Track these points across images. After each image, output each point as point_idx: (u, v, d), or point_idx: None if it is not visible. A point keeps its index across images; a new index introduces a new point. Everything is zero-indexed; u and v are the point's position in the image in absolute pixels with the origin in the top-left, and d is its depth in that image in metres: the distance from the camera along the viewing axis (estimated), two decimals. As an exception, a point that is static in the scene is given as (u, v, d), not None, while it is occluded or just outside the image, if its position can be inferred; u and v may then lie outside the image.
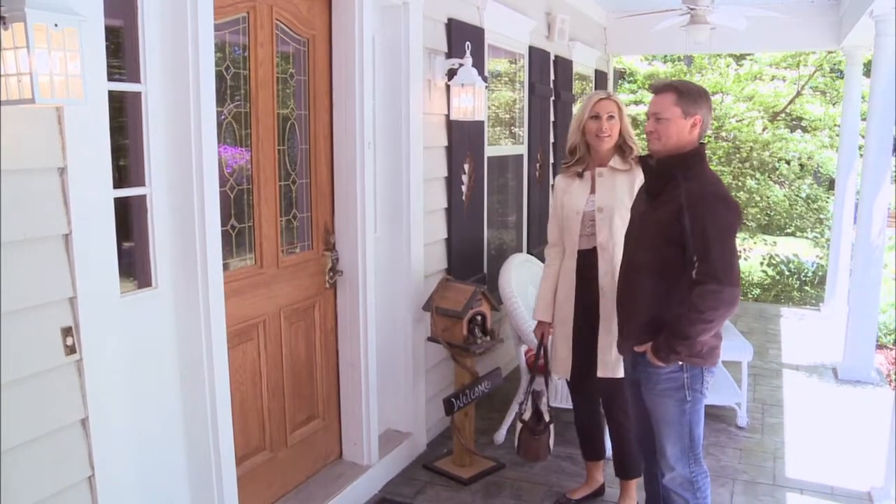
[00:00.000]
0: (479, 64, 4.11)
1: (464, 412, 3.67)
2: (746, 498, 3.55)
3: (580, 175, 3.15)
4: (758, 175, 10.98)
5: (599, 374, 3.10)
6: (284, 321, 3.18)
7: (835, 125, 10.26)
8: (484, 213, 4.62)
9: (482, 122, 4.43)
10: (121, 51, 2.35)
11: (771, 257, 10.48)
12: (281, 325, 3.16)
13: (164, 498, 2.53)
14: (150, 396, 2.44)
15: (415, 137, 3.72)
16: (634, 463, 3.22)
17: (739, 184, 10.96)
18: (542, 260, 3.44)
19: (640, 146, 3.10)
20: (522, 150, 5.38)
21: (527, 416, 3.39)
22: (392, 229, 3.76)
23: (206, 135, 2.45)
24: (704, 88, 2.60)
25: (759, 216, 11.17)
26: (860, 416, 4.56)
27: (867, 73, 6.23)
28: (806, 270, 10.15)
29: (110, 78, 2.14)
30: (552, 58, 5.72)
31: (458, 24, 4.06)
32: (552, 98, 5.77)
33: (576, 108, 6.53)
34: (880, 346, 6.12)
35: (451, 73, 3.93)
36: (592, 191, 3.11)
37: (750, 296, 10.08)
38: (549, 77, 5.68)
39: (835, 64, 10.68)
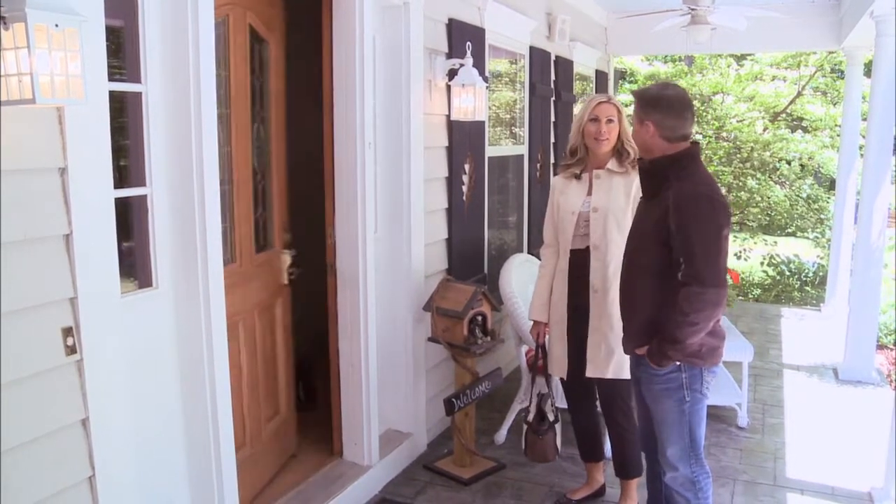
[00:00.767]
0: (479, 64, 4.11)
1: (464, 412, 3.67)
2: (747, 498, 3.54)
3: (578, 176, 3.16)
4: (758, 175, 10.98)
5: (588, 373, 3.11)
6: (258, 319, 3.21)
7: (835, 125, 10.26)
8: (484, 213, 4.62)
9: (483, 123, 4.43)
10: (121, 51, 2.35)
11: (771, 257, 10.48)
12: (255, 323, 3.19)
13: (164, 498, 2.53)
14: (150, 396, 2.44)
15: (415, 138, 3.72)
16: (634, 463, 3.22)
17: (740, 184, 10.96)
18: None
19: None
20: (523, 150, 5.38)
21: (531, 417, 3.39)
22: (392, 229, 3.76)
23: (207, 135, 2.45)
24: (663, 95, 2.56)
25: (759, 216, 11.17)
26: (861, 417, 4.56)
27: (868, 73, 6.23)
28: (806, 271, 10.14)
29: (111, 78, 2.14)
30: (553, 58, 5.72)
31: (458, 24, 4.07)
32: (553, 98, 5.77)
33: (576, 109, 6.55)
34: (881, 347, 6.11)
35: (452, 74, 3.93)
36: (589, 192, 3.12)
37: (750, 296, 10.07)
38: (549, 77, 5.68)
39: (835, 64, 10.68)
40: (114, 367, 2.15)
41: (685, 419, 2.59)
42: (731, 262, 9.99)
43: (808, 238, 11.09)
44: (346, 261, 3.45)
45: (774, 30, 6.17)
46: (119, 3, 2.27)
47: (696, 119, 2.95)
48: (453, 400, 3.51)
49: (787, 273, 10.21)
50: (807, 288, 9.98)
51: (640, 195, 2.77)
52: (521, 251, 5.32)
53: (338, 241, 3.46)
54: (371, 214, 3.47)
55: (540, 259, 3.37)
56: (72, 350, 2.02)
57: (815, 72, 10.95)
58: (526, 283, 4.23)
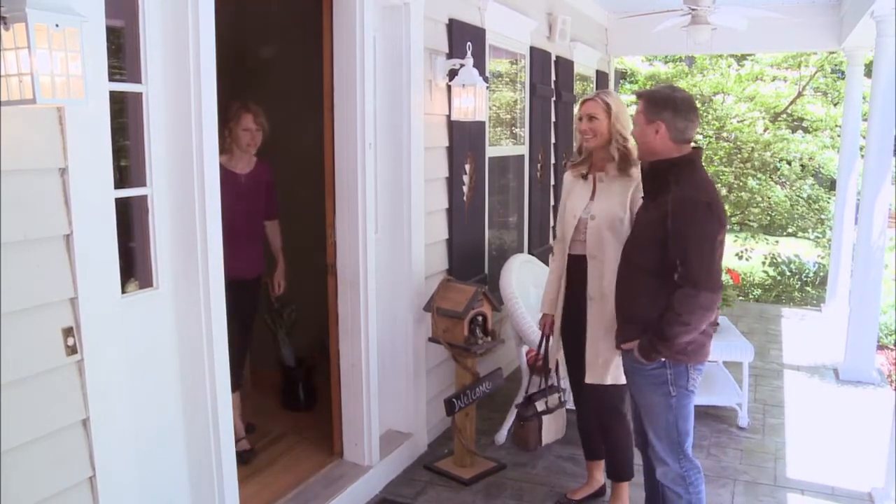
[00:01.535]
0: (480, 64, 4.10)
1: (465, 413, 3.67)
2: (747, 498, 3.54)
3: (584, 177, 3.16)
4: (759, 175, 10.99)
5: (587, 380, 3.12)
6: None
7: (836, 126, 10.26)
8: (485, 213, 4.62)
9: (483, 123, 4.43)
10: (122, 51, 2.35)
11: (773, 257, 10.48)
12: None
13: (164, 498, 2.53)
14: (150, 397, 2.44)
15: (416, 138, 3.72)
16: (625, 467, 3.24)
17: (741, 184, 10.96)
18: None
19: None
20: (523, 150, 5.38)
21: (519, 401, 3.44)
22: (393, 230, 3.76)
23: (207, 135, 2.45)
24: (674, 96, 2.59)
25: (760, 216, 11.18)
26: (861, 417, 4.56)
27: (868, 73, 6.23)
28: (807, 271, 10.14)
29: (111, 78, 2.14)
30: (553, 58, 5.71)
31: (459, 24, 4.06)
32: (553, 98, 5.77)
33: (576, 109, 6.55)
34: (881, 347, 6.11)
35: (452, 74, 3.93)
36: (592, 196, 3.11)
37: (751, 296, 10.07)
38: (550, 77, 5.67)
39: (836, 64, 10.67)
40: (114, 368, 2.15)
41: (671, 413, 2.64)
42: (733, 263, 10.01)
43: (808, 238, 11.10)
44: (347, 261, 3.45)
45: (775, 30, 6.17)
46: (119, 3, 2.27)
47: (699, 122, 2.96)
48: (454, 400, 3.51)
49: (788, 273, 10.21)
50: (807, 288, 9.98)
51: (641, 196, 2.79)
52: (522, 251, 5.31)
53: (338, 242, 3.46)
54: (371, 215, 3.46)
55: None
56: (72, 350, 2.02)
57: (816, 72, 10.94)
58: (527, 283, 4.23)
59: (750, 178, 10.98)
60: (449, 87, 3.97)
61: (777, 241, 11.14)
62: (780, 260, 10.39)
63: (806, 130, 11.16)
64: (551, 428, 3.45)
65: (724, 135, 11.13)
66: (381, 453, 3.62)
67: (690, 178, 2.55)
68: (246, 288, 3.54)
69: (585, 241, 3.08)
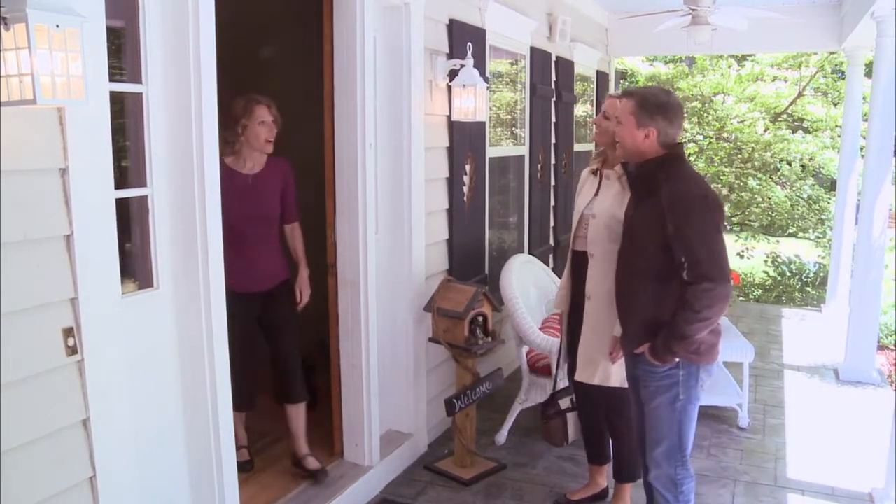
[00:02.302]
0: (480, 65, 4.10)
1: (465, 413, 3.67)
2: (747, 499, 3.54)
3: (595, 172, 3.17)
4: (759, 176, 10.99)
5: (576, 377, 3.13)
6: None
7: (836, 126, 10.25)
8: (485, 213, 4.62)
9: (483, 123, 4.43)
10: (122, 51, 2.35)
11: (773, 258, 10.48)
12: None
13: (164, 498, 2.53)
14: (150, 397, 2.44)
15: (416, 138, 3.72)
16: (631, 468, 3.22)
17: (741, 184, 10.96)
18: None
19: None
20: (524, 150, 5.38)
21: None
22: (393, 230, 3.76)
23: (207, 135, 2.45)
24: (669, 102, 2.59)
25: (760, 217, 11.18)
26: (861, 417, 4.56)
27: (869, 73, 6.23)
28: (807, 271, 10.15)
29: (111, 79, 2.14)
30: (553, 59, 5.71)
31: (459, 24, 4.06)
32: (553, 99, 5.77)
33: (578, 110, 6.56)
34: (881, 347, 6.11)
35: (453, 74, 3.93)
36: (596, 193, 3.11)
37: (751, 296, 10.08)
38: (550, 78, 5.67)
39: (836, 65, 10.67)
40: (114, 368, 2.15)
41: (676, 418, 2.62)
42: (733, 263, 10.00)
43: (808, 238, 11.10)
44: (347, 261, 3.45)
45: (775, 30, 6.17)
46: (120, 3, 2.27)
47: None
48: (454, 400, 3.51)
49: (788, 273, 10.22)
50: (807, 288, 9.99)
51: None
52: (522, 252, 5.31)
53: (338, 242, 3.46)
54: (372, 215, 3.46)
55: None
56: (72, 350, 2.02)
57: (816, 72, 10.95)
58: (527, 283, 4.23)
59: (750, 178, 10.99)
60: (449, 88, 3.97)
61: (777, 242, 11.14)
62: (780, 260, 10.39)
63: (806, 131, 11.16)
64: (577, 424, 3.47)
65: (725, 135, 11.14)
66: (381, 453, 3.62)
67: (680, 173, 2.55)
68: (256, 301, 3.31)
69: (587, 238, 3.08)
